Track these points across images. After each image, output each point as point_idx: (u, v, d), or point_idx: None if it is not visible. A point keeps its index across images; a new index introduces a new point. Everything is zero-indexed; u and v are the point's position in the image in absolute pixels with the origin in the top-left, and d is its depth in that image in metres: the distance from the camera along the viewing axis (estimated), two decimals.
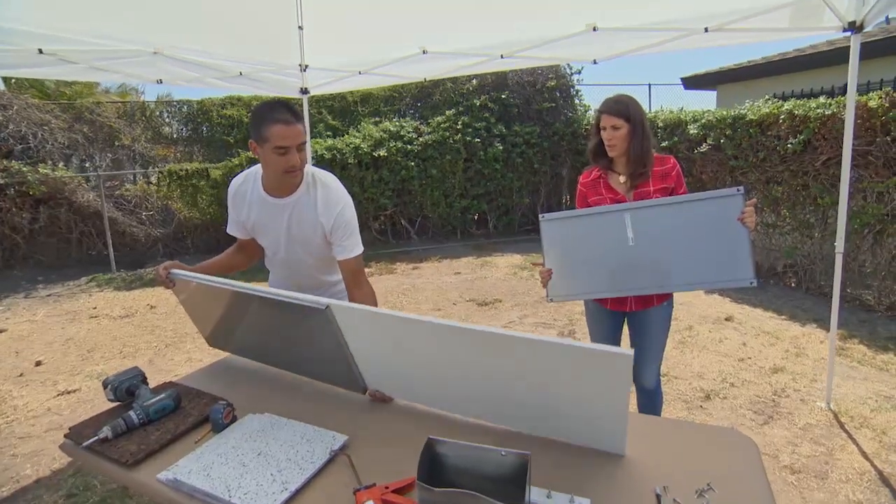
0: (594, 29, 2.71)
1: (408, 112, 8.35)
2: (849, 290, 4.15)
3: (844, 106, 2.76)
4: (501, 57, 3.21)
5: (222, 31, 3.02)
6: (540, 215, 1.79)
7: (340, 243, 1.62)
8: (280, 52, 3.42)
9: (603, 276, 1.76)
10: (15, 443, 2.62)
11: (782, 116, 4.32)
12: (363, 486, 1.03)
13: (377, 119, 7.85)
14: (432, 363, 1.25)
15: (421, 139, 7.20)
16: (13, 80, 7.07)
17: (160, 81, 3.32)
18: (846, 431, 2.46)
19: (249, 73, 3.49)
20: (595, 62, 3.17)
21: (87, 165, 7.93)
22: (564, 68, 7.92)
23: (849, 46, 2.35)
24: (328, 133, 7.71)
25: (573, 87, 8.04)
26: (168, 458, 1.19)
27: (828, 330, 2.71)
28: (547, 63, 4.27)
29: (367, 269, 1.85)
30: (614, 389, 1.06)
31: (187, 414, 1.38)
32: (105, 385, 1.45)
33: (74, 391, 3.20)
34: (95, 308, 4.98)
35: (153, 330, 4.30)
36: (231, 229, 1.80)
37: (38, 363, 3.65)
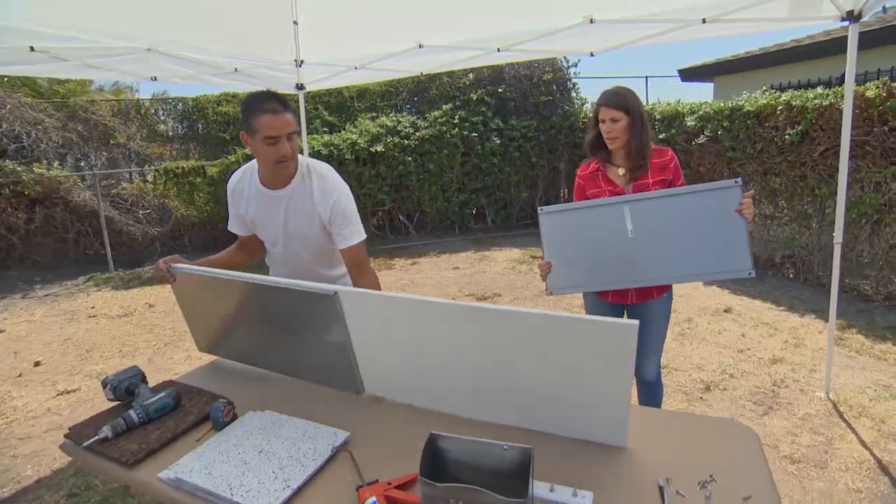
0: (591, 21, 2.69)
1: (404, 107, 8.31)
2: (846, 281, 4.16)
3: (842, 96, 2.76)
4: (498, 50, 3.19)
5: (217, 26, 2.98)
6: (539, 208, 1.79)
7: (340, 232, 1.62)
8: (275, 47, 3.39)
9: (602, 268, 1.76)
10: (15, 444, 2.62)
11: (780, 107, 4.31)
12: (366, 483, 1.03)
13: (374, 114, 7.81)
14: (436, 350, 1.25)
15: (418, 134, 7.17)
16: (5, 79, 7.00)
17: (154, 78, 3.29)
18: (845, 421, 2.47)
19: (244, 69, 3.46)
20: (592, 54, 3.16)
21: (82, 164, 7.88)
22: (561, 61, 7.89)
23: (846, 37, 2.34)
24: (325, 129, 7.67)
25: (570, 80, 8.01)
26: (169, 457, 1.19)
27: (826, 320, 2.71)
28: (544, 56, 4.25)
29: None
30: (618, 365, 1.07)
31: (187, 412, 1.37)
32: (104, 384, 1.44)
33: (74, 391, 3.19)
34: (94, 307, 4.96)
35: (152, 329, 4.29)
36: (232, 226, 1.80)
37: (37, 363, 3.64)
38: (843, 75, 2.42)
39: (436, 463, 1.03)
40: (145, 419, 1.33)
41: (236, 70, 3.43)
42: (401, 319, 1.26)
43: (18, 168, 6.08)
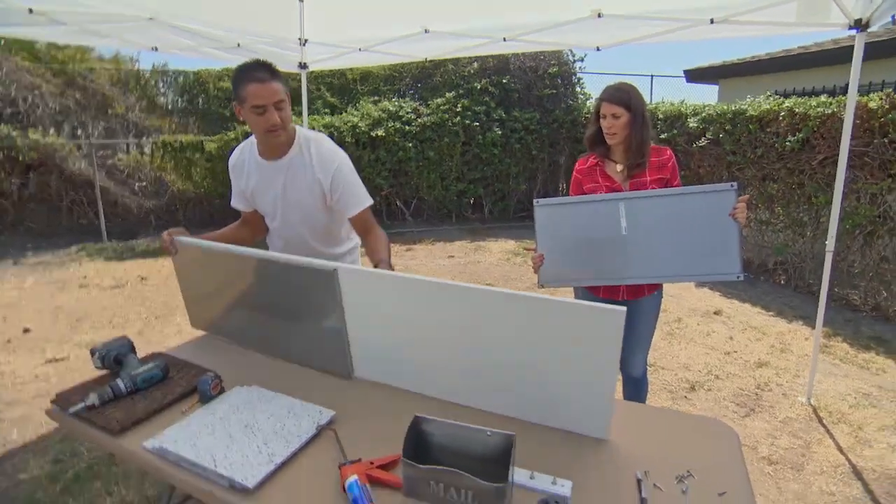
0: (599, 15, 2.67)
1: (407, 92, 8.25)
2: (836, 290, 4.21)
3: (845, 105, 2.76)
4: (504, 40, 3.17)
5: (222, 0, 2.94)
6: (535, 201, 1.79)
7: (345, 199, 1.63)
8: (279, 24, 3.35)
9: (594, 263, 1.77)
10: (2, 408, 2.62)
11: (782, 114, 4.32)
12: (348, 461, 1.04)
13: (376, 98, 7.75)
14: (426, 332, 1.28)
15: (420, 120, 7.13)
16: (2, 42, 6.88)
17: (155, 49, 3.25)
18: (824, 426, 2.51)
19: (247, 44, 3.42)
20: (598, 49, 3.14)
21: (78, 133, 7.78)
22: (567, 55, 7.84)
23: (853, 46, 2.34)
24: (326, 110, 7.62)
25: (575, 74, 7.96)
26: (155, 427, 1.20)
27: (813, 327, 2.75)
28: (550, 48, 4.22)
29: (360, 250, 1.85)
30: (604, 351, 1.09)
31: (175, 384, 1.38)
32: (93, 353, 1.44)
33: (63, 359, 3.19)
34: (85, 277, 4.94)
35: (143, 301, 4.28)
36: (234, 202, 1.82)
37: (27, 330, 3.63)
38: (848, 84, 2.42)
39: (419, 445, 1.04)
40: (133, 389, 1.33)
41: (239, 45, 3.38)
42: (395, 298, 1.29)
43: (13, 133, 6.00)
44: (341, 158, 1.64)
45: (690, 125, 5.24)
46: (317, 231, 1.73)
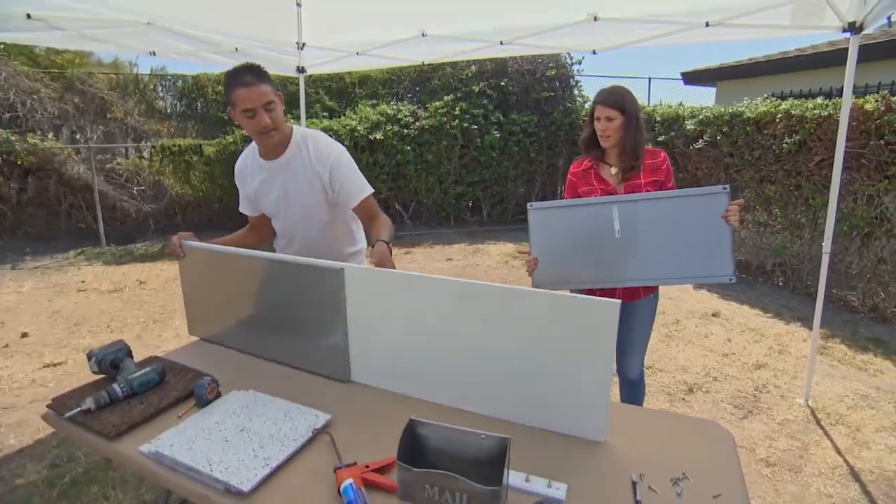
0: (595, 19, 2.68)
1: (406, 96, 8.27)
2: (834, 291, 4.21)
3: (840, 108, 2.77)
4: (501, 43, 3.18)
5: (218, 3, 2.95)
6: (528, 204, 1.80)
7: (346, 190, 1.64)
8: (277, 28, 3.36)
9: (588, 266, 1.78)
10: None
11: (779, 116, 4.33)
12: (344, 465, 1.05)
13: (374, 101, 7.76)
14: (424, 333, 1.31)
15: (418, 123, 7.14)
16: (2, 47, 6.89)
17: (153, 53, 3.26)
18: (822, 427, 2.51)
19: (245, 48, 3.43)
20: (595, 52, 3.16)
21: (77, 137, 7.79)
22: (565, 58, 7.86)
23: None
24: (324, 114, 7.62)
25: (573, 77, 7.98)
26: (151, 432, 1.20)
27: (811, 329, 2.75)
28: (546, 51, 4.24)
29: (367, 249, 1.87)
30: (599, 345, 1.12)
31: (172, 388, 1.38)
32: (89, 357, 1.44)
33: (60, 364, 3.18)
34: (84, 282, 4.94)
35: (142, 305, 4.28)
36: (242, 207, 1.85)
37: (25, 335, 3.63)
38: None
39: (414, 449, 1.04)
40: (129, 393, 1.33)
41: (237, 49, 3.40)
42: (396, 296, 1.32)
43: (12, 137, 6.00)
44: (338, 150, 1.66)
45: (688, 127, 5.25)
46: (319, 229, 1.75)
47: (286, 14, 3.21)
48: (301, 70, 3.75)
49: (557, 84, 7.79)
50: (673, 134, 5.49)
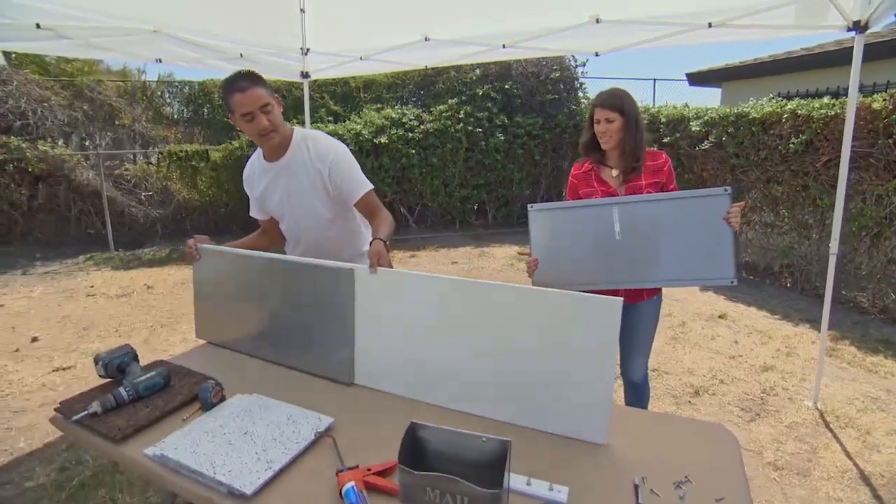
0: (597, 21, 2.68)
1: (410, 99, 8.30)
2: (843, 292, 4.17)
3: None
4: (503, 47, 3.19)
5: (224, 11, 2.99)
6: (529, 205, 1.80)
7: (346, 187, 1.66)
8: (281, 34, 3.39)
9: (588, 267, 1.77)
10: (9, 416, 2.65)
11: (785, 116, 4.30)
12: (346, 468, 1.05)
13: (379, 106, 7.80)
14: (429, 334, 1.33)
15: (422, 127, 7.16)
16: (13, 56, 7.01)
17: (159, 60, 3.30)
18: (831, 430, 2.48)
19: (250, 55, 3.46)
20: (597, 54, 3.15)
21: (86, 144, 7.90)
22: (569, 60, 7.85)
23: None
24: (329, 118, 7.67)
25: (577, 79, 7.98)
26: (156, 435, 1.21)
27: (820, 330, 2.72)
28: (549, 54, 4.25)
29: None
30: (602, 343, 1.13)
31: (177, 392, 1.39)
32: (96, 361, 1.46)
33: (69, 368, 3.22)
34: (93, 286, 4.99)
35: (149, 310, 4.32)
36: (252, 211, 1.90)
37: (34, 339, 3.67)
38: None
39: (415, 452, 1.05)
40: (135, 397, 1.35)
41: (241, 56, 3.43)
42: (402, 296, 1.35)
43: (23, 145, 6.10)
44: (338, 148, 1.69)
45: (693, 128, 5.23)
46: (323, 229, 1.76)
47: (290, 20, 3.24)
48: (305, 75, 3.78)
49: (562, 86, 7.79)
50: (678, 135, 5.46)
